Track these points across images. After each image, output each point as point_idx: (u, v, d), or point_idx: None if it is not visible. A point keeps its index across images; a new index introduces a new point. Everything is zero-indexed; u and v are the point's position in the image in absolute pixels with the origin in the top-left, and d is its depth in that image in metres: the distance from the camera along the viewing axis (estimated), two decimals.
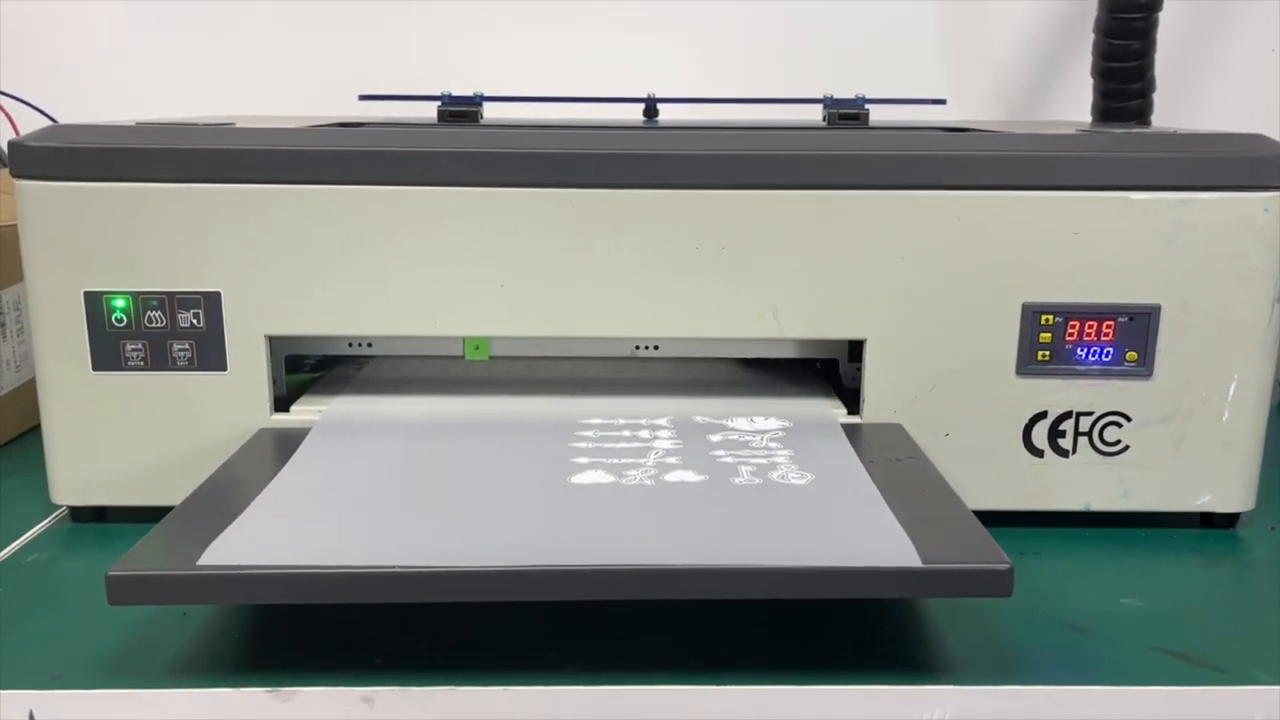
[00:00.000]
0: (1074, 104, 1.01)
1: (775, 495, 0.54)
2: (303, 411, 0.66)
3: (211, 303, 0.63)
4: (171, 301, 0.62)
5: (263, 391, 0.64)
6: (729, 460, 0.59)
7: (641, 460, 0.59)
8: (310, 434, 0.63)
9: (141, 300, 0.62)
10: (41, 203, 0.61)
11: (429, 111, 0.80)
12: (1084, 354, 0.63)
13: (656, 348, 0.70)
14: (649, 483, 0.55)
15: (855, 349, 0.66)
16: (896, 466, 0.59)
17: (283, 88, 1.06)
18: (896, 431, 0.64)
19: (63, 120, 0.87)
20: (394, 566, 0.46)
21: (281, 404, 0.66)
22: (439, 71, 1.03)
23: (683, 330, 0.64)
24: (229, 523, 0.50)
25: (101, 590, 0.45)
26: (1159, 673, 0.50)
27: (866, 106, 0.79)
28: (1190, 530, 0.66)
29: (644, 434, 0.63)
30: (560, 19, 1.05)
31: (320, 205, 0.61)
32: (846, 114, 0.79)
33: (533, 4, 1.05)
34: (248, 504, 0.52)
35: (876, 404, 0.65)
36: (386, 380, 0.72)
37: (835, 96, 0.80)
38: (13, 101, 0.97)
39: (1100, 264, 0.62)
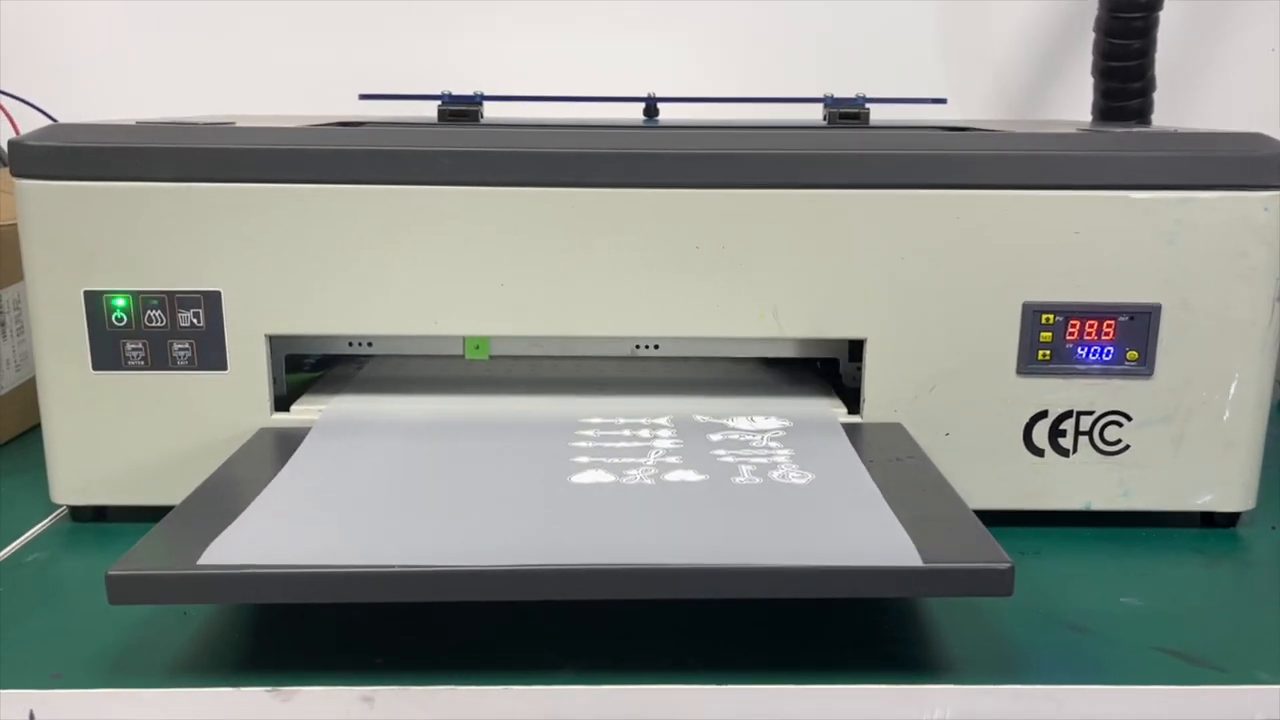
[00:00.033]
0: (1074, 103, 1.01)
1: (775, 495, 0.54)
2: (303, 411, 0.66)
3: (212, 302, 0.63)
4: (172, 301, 0.62)
5: (263, 391, 0.64)
6: (729, 460, 0.59)
7: (642, 460, 0.59)
8: (310, 433, 0.63)
9: (142, 300, 0.62)
10: (41, 202, 0.61)
11: (429, 111, 0.80)
12: (1084, 353, 0.63)
13: (657, 347, 0.70)
14: (649, 482, 0.55)
15: (856, 348, 0.66)
16: (897, 466, 0.58)
17: (283, 87, 1.06)
18: (897, 431, 0.64)
19: (63, 120, 0.87)
20: (394, 566, 0.46)
21: (282, 403, 0.66)
22: (439, 71, 1.03)
23: (683, 330, 0.64)
24: (229, 522, 0.50)
25: (101, 590, 0.45)
26: (1159, 672, 0.50)
27: (867, 106, 0.79)
28: (1191, 530, 0.66)
29: (644, 433, 0.63)
30: (560, 19, 1.05)
31: (320, 204, 0.61)
32: (847, 113, 0.79)
33: (533, 4, 1.05)
34: (248, 503, 0.52)
35: (877, 403, 0.65)
36: (387, 380, 0.72)
37: (835, 96, 0.80)
38: (13, 101, 0.97)
39: (1101, 263, 0.62)
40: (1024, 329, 0.63)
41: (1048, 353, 0.63)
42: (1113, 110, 0.93)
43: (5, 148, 0.79)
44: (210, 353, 0.63)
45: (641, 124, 0.80)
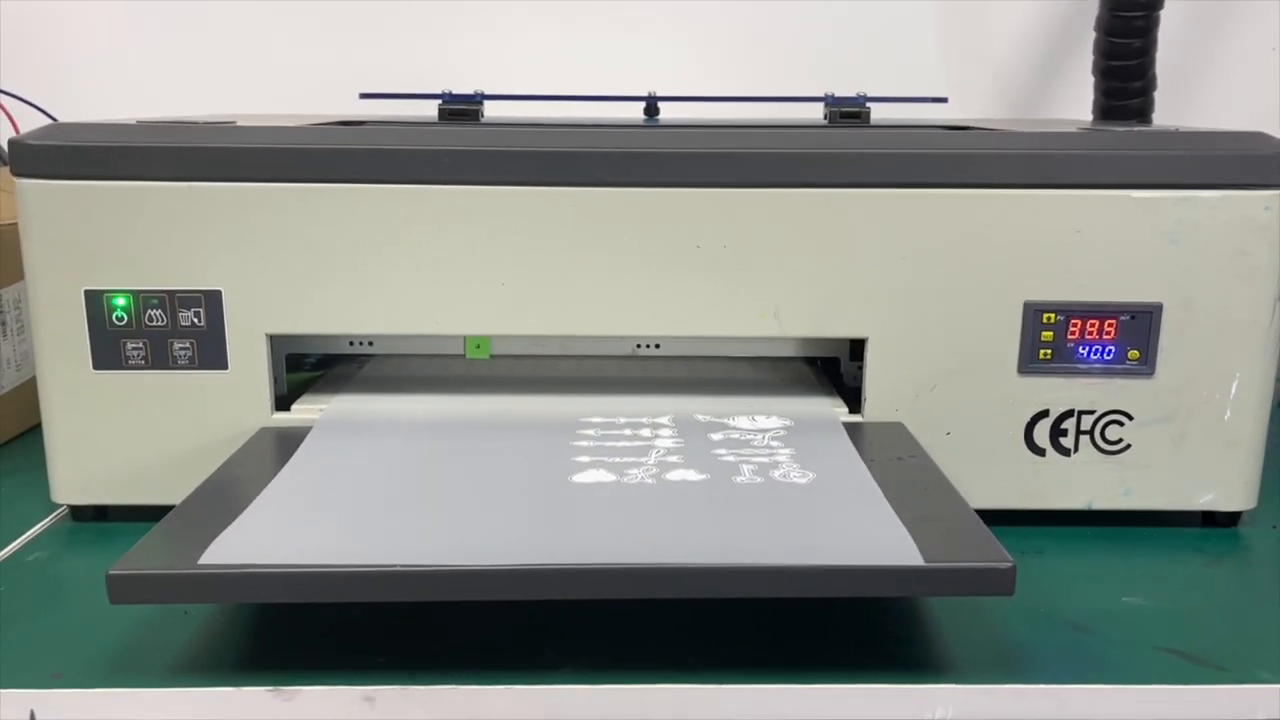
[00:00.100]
0: (1074, 103, 1.01)
1: (777, 494, 0.54)
2: (303, 410, 0.66)
3: (212, 301, 0.62)
4: (172, 300, 0.62)
5: (264, 390, 0.64)
6: (730, 459, 0.59)
7: (643, 459, 0.58)
8: (311, 433, 0.62)
9: (142, 299, 0.62)
10: (42, 201, 0.61)
11: (430, 110, 0.80)
12: (1086, 353, 0.63)
13: (658, 346, 0.70)
14: (650, 482, 0.55)
15: (857, 348, 0.66)
16: (898, 465, 0.58)
17: (283, 87, 1.06)
18: (898, 430, 0.64)
19: (63, 119, 0.86)
20: (395, 566, 0.46)
21: (282, 403, 0.66)
22: (439, 71, 1.03)
23: (684, 329, 0.64)
24: (230, 522, 0.50)
25: (102, 589, 0.45)
26: (1161, 671, 0.50)
27: (867, 105, 0.79)
28: (1192, 529, 0.66)
29: (645, 433, 0.63)
30: (560, 19, 1.05)
31: (321, 203, 0.61)
32: (848, 112, 0.79)
33: (533, 4, 1.05)
34: (249, 503, 0.52)
35: (878, 403, 0.65)
36: (387, 379, 0.72)
37: (836, 95, 0.80)
38: (13, 100, 0.97)
39: (1102, 262, 0.62)
40: (1025, 328, 0.63)
41: (1049, 352, 0.63)
42: (1113, 109, 0.93)
43: (5, 147, 0.79)
44: (211, 352, 0.63)
45: (642, 123, 0.80)
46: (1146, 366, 0.63)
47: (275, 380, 0.65)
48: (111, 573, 0.45)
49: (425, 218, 0.62)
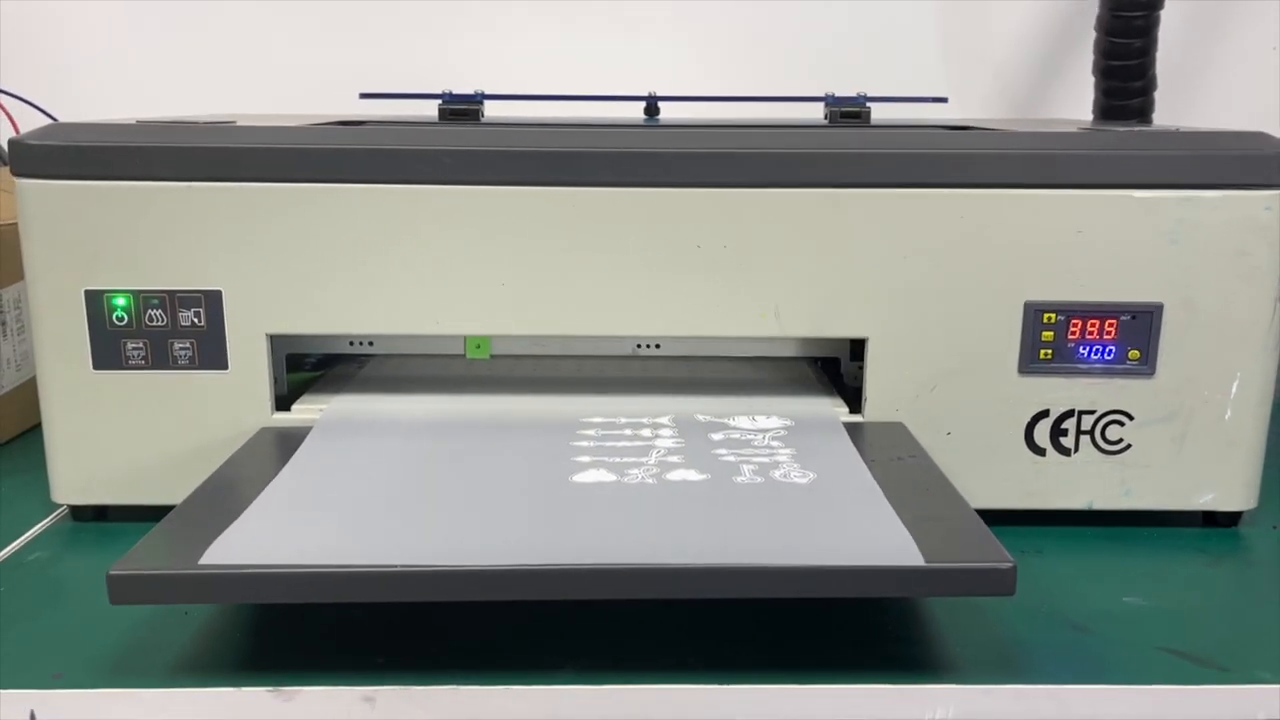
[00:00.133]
0: (1075, 103, 1.01)
1: (777, 494, 0.54)
2: (304, 410, 0.66)
3: (212, 301, 0.62)
4: (172, 300, 0.62)
5: (264, 390, 0.64)
6: (731, 459, 0.59)
7: (643, 459, 0.58)
8: (311, 433, 0.62)
9: (142, 299, 0.62)
10: (42, 201, 0.61)
11: (430, 110, 0.80)
12: (1086, 353, 0.63)
13: (658, 346, 0.69)
14: (651, 482, 0.55)
15: (857, 348, 0.66)
16: (898, 465, 0.58)
17: (283, 87, 1.06)
18: (898, 430, 0.64)
19: (63, 119, 0.86)
20: (395, 566, 0.46)
21: (283, 403, 0.66)
22: (439, 71, 1.03)
23: (684, 329, 0.64)
24: (230, 522, 0.50)
25: (102, 589, 0.45)
26: (1162, 671, 0.50)
27: (868, 105, 0.79)
28: (1193, 529, 0.66)
29: (646, 433, 0.63)
30: (560, 19, 1.05)
31: (321, 203, 0.61)
32: (848, 112, 0.79)
33: (533, 4, 1.05)
34: (249, 503, 0.52)
35: (878, 403, 0.65)
36: (388, 379, 0.72)
37: (836, 95, 0.80)
38: (13, 100, 0.97)
39: (1102, 262, 0.62)
40: (1025, 328, 0.63)
41: (1049, 352, 0.63)
42: (1114, 109, 0.93)
43: (5, 147, 0.79)
44: (211, 352, 0.63)
45: (642, 123, 0.80)
46: (1147, 366, 0.63)
47: (275, 380, 0.65)
48: (112, 573, 0.45)
49: (425, 218, 0.62)
